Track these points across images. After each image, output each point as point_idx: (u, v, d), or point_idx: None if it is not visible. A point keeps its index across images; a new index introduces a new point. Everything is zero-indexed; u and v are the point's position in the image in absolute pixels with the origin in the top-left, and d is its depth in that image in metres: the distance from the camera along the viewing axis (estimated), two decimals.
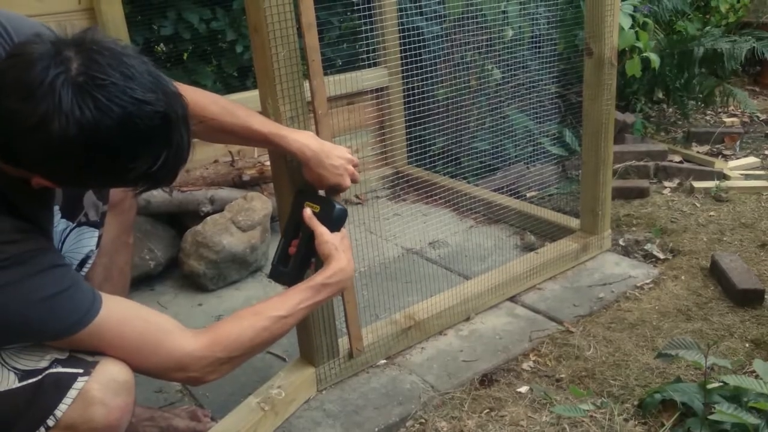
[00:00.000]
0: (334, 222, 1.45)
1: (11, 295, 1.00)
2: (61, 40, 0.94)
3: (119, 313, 1.13)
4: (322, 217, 1.44)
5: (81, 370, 1.08)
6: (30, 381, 1.07)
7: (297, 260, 1.47)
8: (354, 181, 1.52)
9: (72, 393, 1.06)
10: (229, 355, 1.22)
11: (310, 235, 1.44)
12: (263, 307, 1.30)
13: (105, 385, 1.08)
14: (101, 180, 1.04)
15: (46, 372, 1.07)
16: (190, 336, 1.19)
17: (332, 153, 1.47)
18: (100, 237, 1.41)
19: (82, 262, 1.38)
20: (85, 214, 1.36)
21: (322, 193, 1.54)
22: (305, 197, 1.50)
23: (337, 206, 1.46)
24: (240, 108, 1.40)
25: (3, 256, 0.99)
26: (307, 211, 1.45)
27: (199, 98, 1.33)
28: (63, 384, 1.07)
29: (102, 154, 0.93)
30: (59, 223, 1.35)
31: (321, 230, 1.42)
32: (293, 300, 1.32)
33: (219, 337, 1.21)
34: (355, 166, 1.52)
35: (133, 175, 0.98)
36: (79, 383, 1.07)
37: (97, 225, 1.39)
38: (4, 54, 1.08)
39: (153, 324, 1.17)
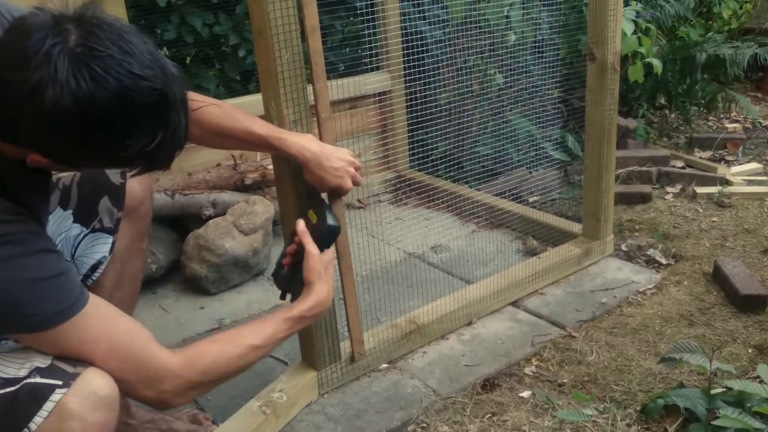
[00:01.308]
0: (324, 238, 1.42)
1: (3, 272, 0.96)
2: (62, 14, 0.93)
3: (106, 311, 1.10)
4: (316, 229, 1.42)
5: (60, 382, 1.02)
6: (8, 390, 1.02)
7: (290, 268, 1.46)
8: (356, 183, 1.51)
9: (48, 405, 1.01)
10: (201, 379, 1.19)
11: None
12: (239, 333, 1.27)
13: (84, 398, 1.02)
14: (97, 156, 1.00)
15: (24, 381, 1.02)
16: (170, 354, 1.16)
17: (333, 155, 1.46)
18: (113, 243, 1.40)
19: (94, 267, 1.38)
20: (100, 220, 1.35)
21: (325, 196, 1.54)
22: (310, 203, 1.49)
23: (329, 222, 1.42)
24: (240, 112, 1.41)
25: None
26: (300, 225, 1.42)
27: (200, 101, 1.32)
28: (40, 395, 1.01)
29: (97, 128, 0.92)
30: (72, 228, 1.34)
31: (310, 250, 1.39)
32: (269, 330, 1.30)
33: (195, 359, 1.19)
34: (357, 168, 1.52)
35: (128, 153, 0.95)
36: (57, 395, 1.01)
37: (112, 231, 1.38)
38: None
39: (139, 333, 1.13)
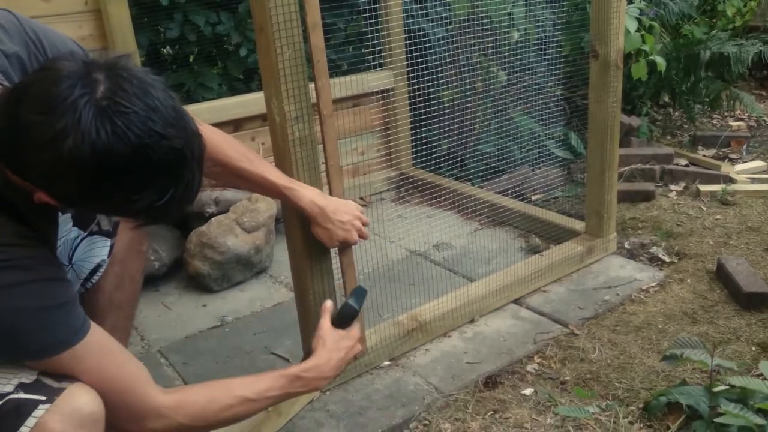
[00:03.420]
0: (341, 316, 1.45)
1: (7, 298, 0.97)
2: (94, 62, 0.94)
3: (104, 344, 1.10)
4: (340, 309, 1.46)
5: (44, 398, 1.01)
6: None
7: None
8: (362, 237, 1.56)
9: (30, 422, 0.99)
10: (189, 423, 1.19)
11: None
12: (233, 384, 1.27)
13: (67, 415, 1.01)
14: (104, 206, 1.03)
15: (8, 397, 1.01)
16: (160, 392, 1.16)
17: (339, 209, 1.51)
18: (112, 246, 1.40)
19: (93, 271, 1.38)
20: (98, 223, 1.35)
21: (335, 253, 1.61)
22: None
23: (348, 302, 1.46)
24: (257, 156, 1.44)
25: (7, 256, 0.97)
26: (325, 304, 1.47)
27: (220, 141, 1.35)
28: (22, 411, 1.00)
29: (109, 180, 0.92)
30: (71, 231, 1.34)
31: (322, 324, 1.43)
32: (263, 385, 1.29)
33: (185, 403, 1.19)
34: (365, 223, 1.56)
35: (137, 206, 0.96)
36: (39, 411, 1.00)
37: (110, 234, 1.38)
38: (36, 65, 1.09)
39: (132, 366, 1.14)
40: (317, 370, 1.36)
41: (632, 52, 3.17)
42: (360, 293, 1.49)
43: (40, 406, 1.00)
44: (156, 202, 0.96)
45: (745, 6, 4.18)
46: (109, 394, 1.08)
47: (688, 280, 2.27)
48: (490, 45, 2.75)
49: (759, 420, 1.37)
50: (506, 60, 2.71)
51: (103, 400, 1.07)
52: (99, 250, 1.36)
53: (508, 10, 2.81)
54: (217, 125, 1.51)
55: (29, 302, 0.98)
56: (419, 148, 2.65)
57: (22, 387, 1.02)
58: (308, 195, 1.48)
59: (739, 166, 3.23)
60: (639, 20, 3.14)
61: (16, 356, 1.03)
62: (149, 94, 0.93)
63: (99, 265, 1.37)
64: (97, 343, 1.08)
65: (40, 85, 0.92)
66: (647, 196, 2.92)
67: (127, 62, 0.95)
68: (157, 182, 0.95)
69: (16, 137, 0.91)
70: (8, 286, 0.97)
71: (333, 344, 1.40)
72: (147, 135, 0.91)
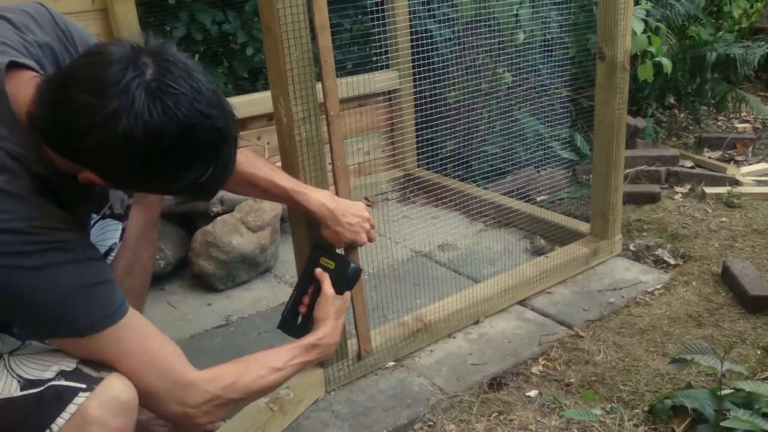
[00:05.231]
0: (348, 280, 1.49)
1: (56, 275, 1.01)
2: (140, 47, 0.98)
3: (143, 323, 1.15)
4: (336, 274, 1.48)
5: (84, 386, 1.06)
6: (31, 391, 1.06)
7: (307, 315, 1.51)
8: (370, 239, 1.57)
9: (71, 408, 1.04)
10: (227, 395, 1.23)
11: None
12: (261, 356, 1.35)
13: (106, 404, 1.06)
14: (150, 184, 1.05)
15: (49, 383, 1.06)
16: (195, 369, 1.21)
17: (348, 211, 1.53)
18: (123, 230, 1.42)
19: (105, 255, 1.39)
20: (110, 206, 1.37)
21: (339, 250, 1.58)
22: (322, 252, 1.53)
23: (352, 265, 1.49)
24: (265, 162, 1.46)
25: (52, 238, 1.01)
26: (318, 270, 1.50)
27: None
28: (63, 398, 1.05)
29: (158, 159, 0.96)
30: None
31: (327, 291, 1.47)
32: (287, 355, 1.36)
33: (220, 376, 1.24)
34: (371, 225, 1.57)
35: (181, 184, 1.00)
36: (80, 398, 1.05)
37: (122, 218, 1.40)
38: (67, 56, 1.13)
39: (170, 347, 1.19)
40: (330, 337, 1.45)
41: (638, 53, 3.16)
42: (347, 261, 1.52)
43: (81, 394, 1.05)
44: (198, 179, 1.01)
45: (751, 7, 4.18)
46: (149, 374, 1.13)
47: (694, 283, 2.26)
48: (496, 46, 2.75)
49: (766, 425, 1.37)
50: (512, 61, 2.71)
51: (143, 384, 1.12)
52: (111, 233, 1.38)
53: (515, 11, 2.81)
54: None
55: (73, 280, 1.03)
56: (424, 149, 2.65)
57: (63, 374, 1.07)
58: (318, 198, 1.49)
59: (745, 169, 3.23)
60: (645, 22, 3.14)
61: (62, 334, 1.07)
62: (193, 77, 0.98)
63: (111, 248, 1.40)
64: (136, 324, 1.13)
65: (90, 68, 0.96)
66: (652, 198, 2.91)
67: (170, 48, 1.00)
68: (201, 160, 1.00)
69: (67, 120, 0.95)
70: (52, 265, 1.01)
71: (336, 312, 1.48)
72: (194, 115, 0.96)
